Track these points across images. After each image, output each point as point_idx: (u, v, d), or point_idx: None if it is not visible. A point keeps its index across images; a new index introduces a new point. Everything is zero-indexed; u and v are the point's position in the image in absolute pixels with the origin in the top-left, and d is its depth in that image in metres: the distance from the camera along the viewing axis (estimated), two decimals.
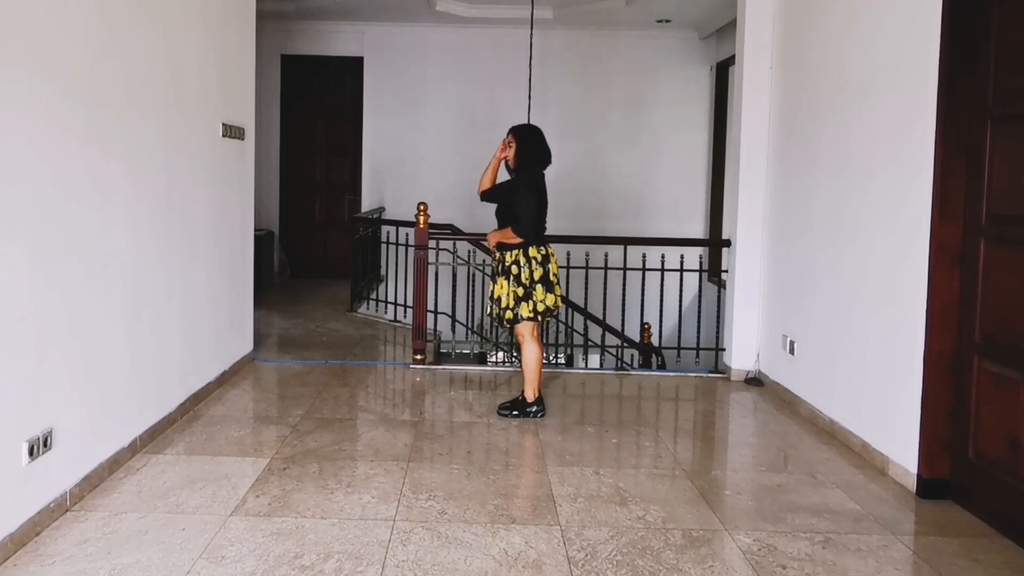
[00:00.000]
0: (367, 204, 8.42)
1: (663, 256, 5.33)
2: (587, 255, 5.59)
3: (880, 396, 3.39)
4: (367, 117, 8.49)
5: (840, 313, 3.78)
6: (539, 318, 3.86)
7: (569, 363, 6.85)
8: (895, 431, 3.25)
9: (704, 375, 5.01)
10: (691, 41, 8.33)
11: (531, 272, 3.81)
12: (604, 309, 6.04)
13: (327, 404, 4.07)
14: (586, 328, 6.29)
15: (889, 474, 3.27)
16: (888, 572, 2.45)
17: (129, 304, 3.18)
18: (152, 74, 3.36)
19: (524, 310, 3.82)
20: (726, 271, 5.14)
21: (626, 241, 5.55)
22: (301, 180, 8.72)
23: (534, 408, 3.94)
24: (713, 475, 3.27)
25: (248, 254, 4.83)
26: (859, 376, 3.58)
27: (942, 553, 2.59)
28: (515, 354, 5.57)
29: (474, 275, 6.09)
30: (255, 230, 5.07)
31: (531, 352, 3.92)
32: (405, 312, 6.38)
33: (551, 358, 6.57)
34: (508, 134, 3.95)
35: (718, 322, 5.34)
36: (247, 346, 4.83)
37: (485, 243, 4.24)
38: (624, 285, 5.41)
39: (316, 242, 8.75)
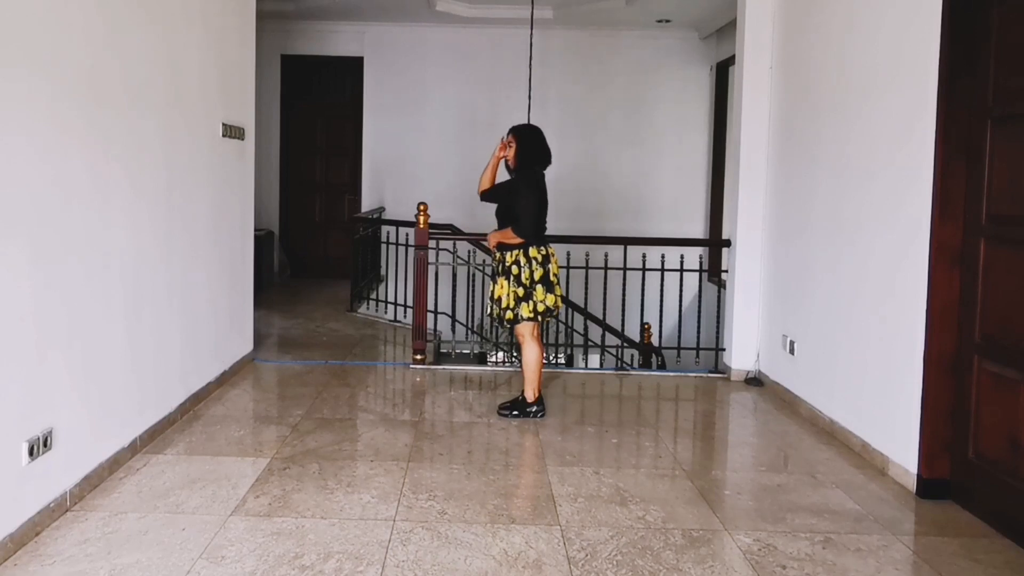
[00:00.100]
0: (367, 204, 8.42)
1: (663, 256, 5.33)
2: (587, 255, 5.59)
3: (880, 396, 3.39)
4: (367, 117, 8.49)
5: (840, 313, 3.78)
6: (539, 318, 3.86)
7: (569, 363, 6.85)
8: (895, 431, 3.25)
9: (704, 375, 5.01)
10: (691, 41, 8.33)
11: (531, 272, 3.81)
12: (604, 309, 6.04)
13: (327, 404, 4.07)
14: (586, 328, 6.29)
15: (889, 474, 3.27)
16: (888, 572, 2.45)
17: (129, 304, 3.18)
18: (152, 74, 3.36)
19: (524, 310, 3.82)
20: (726, 271, 5.14)
21: (626, 241, 5.55)
22: (301, 180, 8.72)
23: (534, 408, 3.94)
24: (713, 475, 3.27)
25: (248, 254, 4.83)
26: (859, 376, 3.58)
27: (942, 553, 2.59)
28: (515, 354, 5.57)
29: (474, 275, 6.09)
30: (255, 230, 5.07)
31: (531, 352, 3.92)
32: (405, 312, 6.37)
33: (551, 358, 6.57)
34: (508, 134, 3.95)
35: (718, 322, 5.34)
36: (247, 346, 4.83)
37: (485, 243, 4.24)
38: (624, 285, 5.41)
39: (316, 242, 8.75)
